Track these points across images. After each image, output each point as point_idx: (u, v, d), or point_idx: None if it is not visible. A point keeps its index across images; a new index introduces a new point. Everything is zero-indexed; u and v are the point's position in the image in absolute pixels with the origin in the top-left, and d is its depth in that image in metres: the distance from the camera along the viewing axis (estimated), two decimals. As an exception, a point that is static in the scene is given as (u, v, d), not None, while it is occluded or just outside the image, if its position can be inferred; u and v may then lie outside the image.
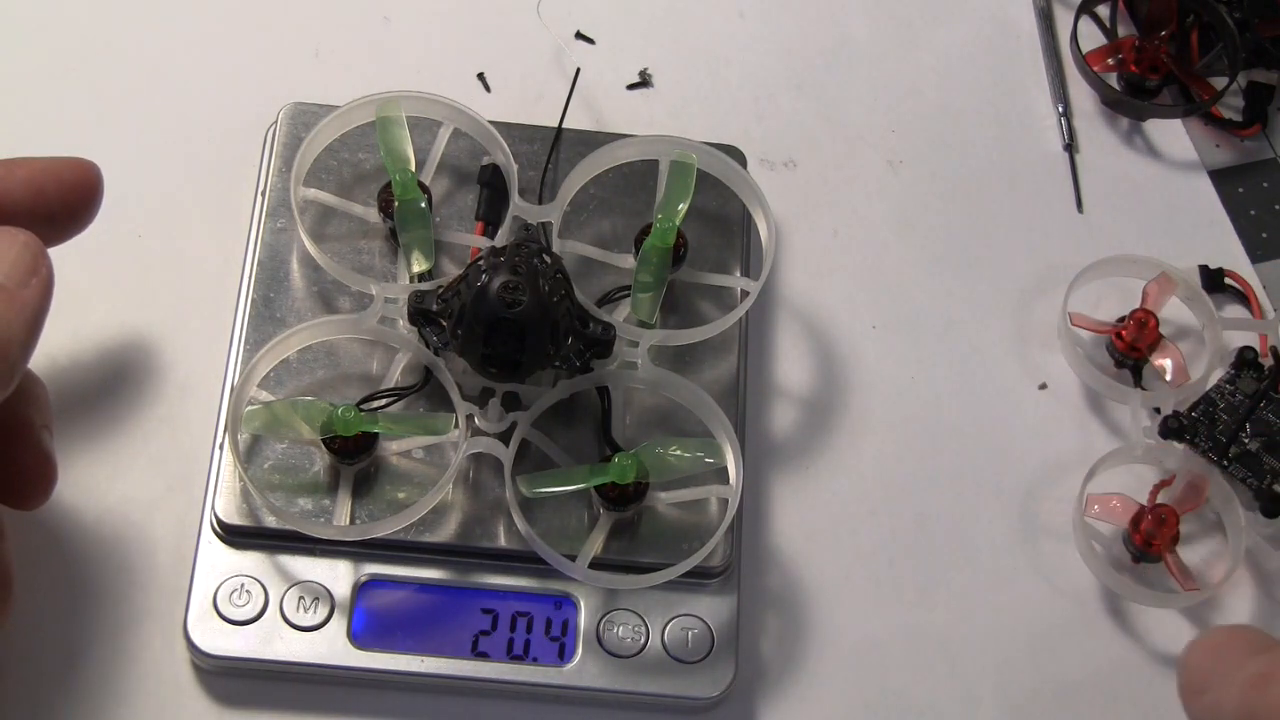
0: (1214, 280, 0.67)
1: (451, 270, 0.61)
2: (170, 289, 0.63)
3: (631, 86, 0.70)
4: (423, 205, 0.60)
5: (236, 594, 0.56)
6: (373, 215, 0.62)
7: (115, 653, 0.56)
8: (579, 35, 0.71)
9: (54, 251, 0.53)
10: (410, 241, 0.60)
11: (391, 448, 0.58)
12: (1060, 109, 0.71)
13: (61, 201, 0.53)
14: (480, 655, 0.56)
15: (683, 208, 0.61)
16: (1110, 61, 0.72)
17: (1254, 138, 0.71)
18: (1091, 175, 0.70)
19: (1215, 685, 0.46)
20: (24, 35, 0.68)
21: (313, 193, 0.62)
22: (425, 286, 0.58)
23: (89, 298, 0.62)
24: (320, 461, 0.58)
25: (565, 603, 0.57)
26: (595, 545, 0.56)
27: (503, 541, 0.57)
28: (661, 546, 0.57)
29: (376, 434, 0.57)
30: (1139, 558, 0.61)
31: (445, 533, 0.57)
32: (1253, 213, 0.70)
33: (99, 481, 0.59)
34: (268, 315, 0.60)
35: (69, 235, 0.55)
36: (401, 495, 0.57)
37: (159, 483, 0.59)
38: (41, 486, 0.53)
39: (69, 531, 0.58)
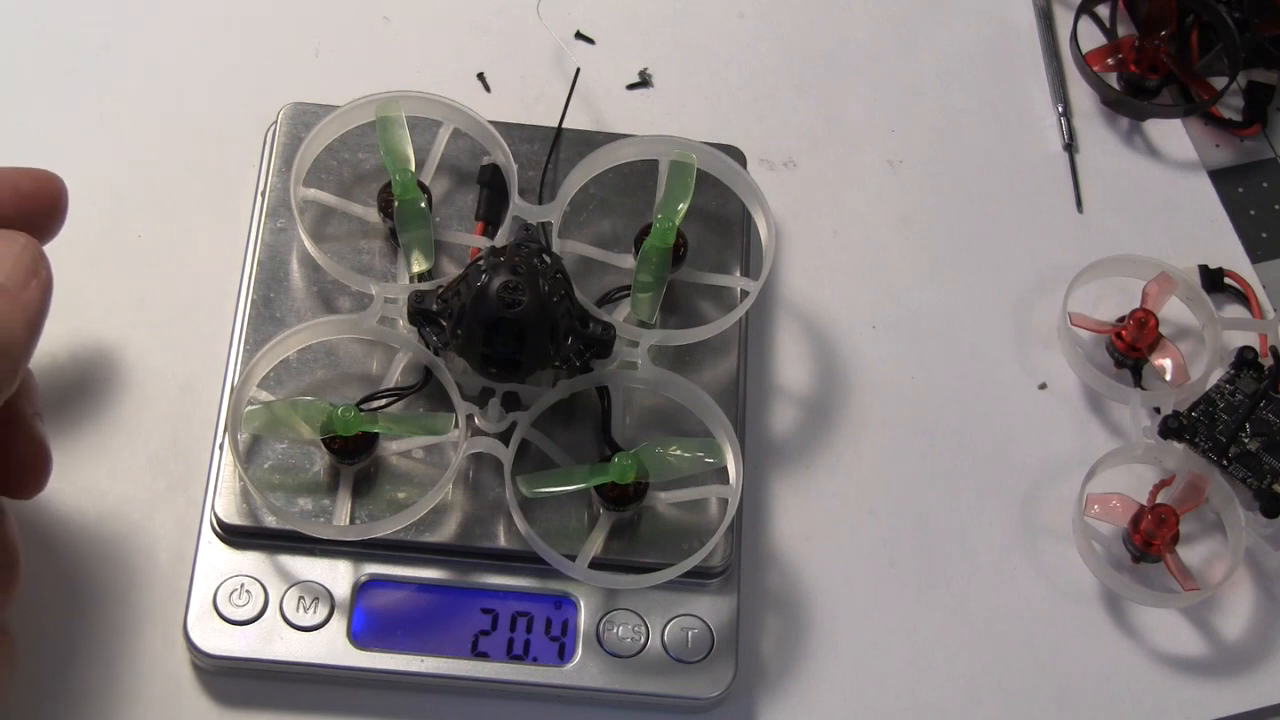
0: (1214, 280, 0.67)
1: (451, 270, 0.61)
2: (170, 289, 0.63)
3: (631, 86, 0.70)
4: (423, 205, 0.60)
5: (236, 594, 0.56)
6: (373, 215, 0.62)
7: (115, 653, 0.56)
8: (579, 35, 0.71)
9: (54, 251, 0.53)
10: (410, 241, 0.60)
11: (391, 448, 0.58)
12: (1060, 109, 0.71)
13: (17, 211, 0.52)
14: (480, 655, 0.56)
15: (682, 208, 0.61)
16: (1110, 61, 0.72)
17: (1254, 138, 0.71)
18: (1091, 175, 0.70)
19: None
20: (24, 35, 0.68)
21: (313, 193, 0.62)
22: (425, 286, 0.58)
23: (89, 298, 0.62)
24: (320, 461, 0.58)
25: (565, 603, 0.57)
26: (595, 545, 0.56)
27: (503, 541, 0.57)
28: (661, 546, 0.57)
29: (376, 434, 0.57)
30: (1139, 558, 0.61)
31: (445, 533, 0.57)
32: (1253, 213, 0.70)
33: (99, 481, 0.59)
34: (268, 315, 0.60)
35: None
36: (401, 495, 0.57)
37: (159, 483, 0.59)
38: (38, 474, 0.53)
39: (70, 532, 0.58)
